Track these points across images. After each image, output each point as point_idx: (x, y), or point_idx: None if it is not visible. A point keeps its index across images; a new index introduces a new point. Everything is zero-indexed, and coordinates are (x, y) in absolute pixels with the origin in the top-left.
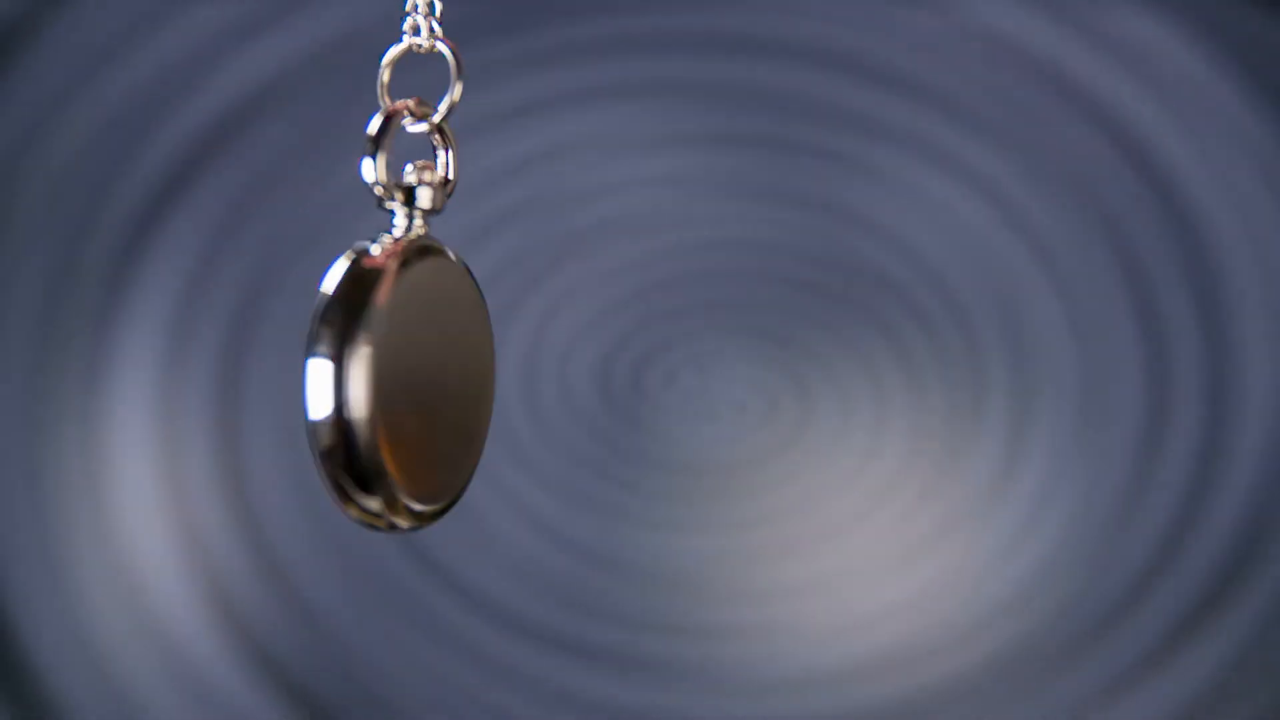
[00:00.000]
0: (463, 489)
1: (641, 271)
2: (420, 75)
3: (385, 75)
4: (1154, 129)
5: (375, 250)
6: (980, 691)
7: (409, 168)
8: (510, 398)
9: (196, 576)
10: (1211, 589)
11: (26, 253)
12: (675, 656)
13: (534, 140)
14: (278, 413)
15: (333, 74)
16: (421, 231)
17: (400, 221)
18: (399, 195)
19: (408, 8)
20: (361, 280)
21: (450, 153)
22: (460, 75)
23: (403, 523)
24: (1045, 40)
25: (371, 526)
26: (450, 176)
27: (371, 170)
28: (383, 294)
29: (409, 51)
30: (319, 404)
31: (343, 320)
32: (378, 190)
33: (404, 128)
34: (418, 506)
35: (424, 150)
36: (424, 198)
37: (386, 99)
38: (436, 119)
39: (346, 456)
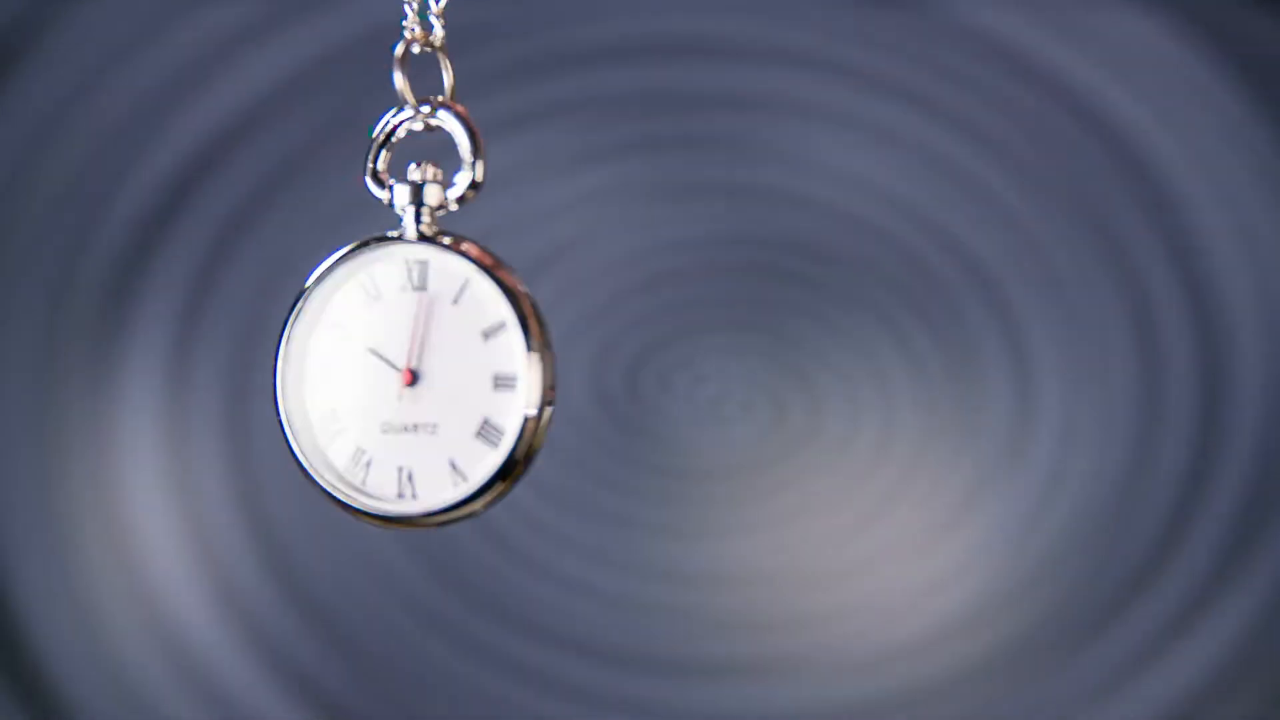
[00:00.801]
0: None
1: (605, 287)
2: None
3: (400, 76)
4: (1136, 116)
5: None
6: (985, 680)
7: (412, 166)
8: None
9: (208, 579)
10: (1217, 571)
11: (29, 253)
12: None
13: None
14: None
15: (336, 82)
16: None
17: (409, 221)
18: (409, 194)
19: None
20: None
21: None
22: (449, 67)
23: (373, 522)
24: (1025, 32)
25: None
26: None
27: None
28: None
29: (412, 54)
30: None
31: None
32: (382, 195)
33: (412, 131)
34: (393, 508)
35: (427, 152)
36: (431, 196)
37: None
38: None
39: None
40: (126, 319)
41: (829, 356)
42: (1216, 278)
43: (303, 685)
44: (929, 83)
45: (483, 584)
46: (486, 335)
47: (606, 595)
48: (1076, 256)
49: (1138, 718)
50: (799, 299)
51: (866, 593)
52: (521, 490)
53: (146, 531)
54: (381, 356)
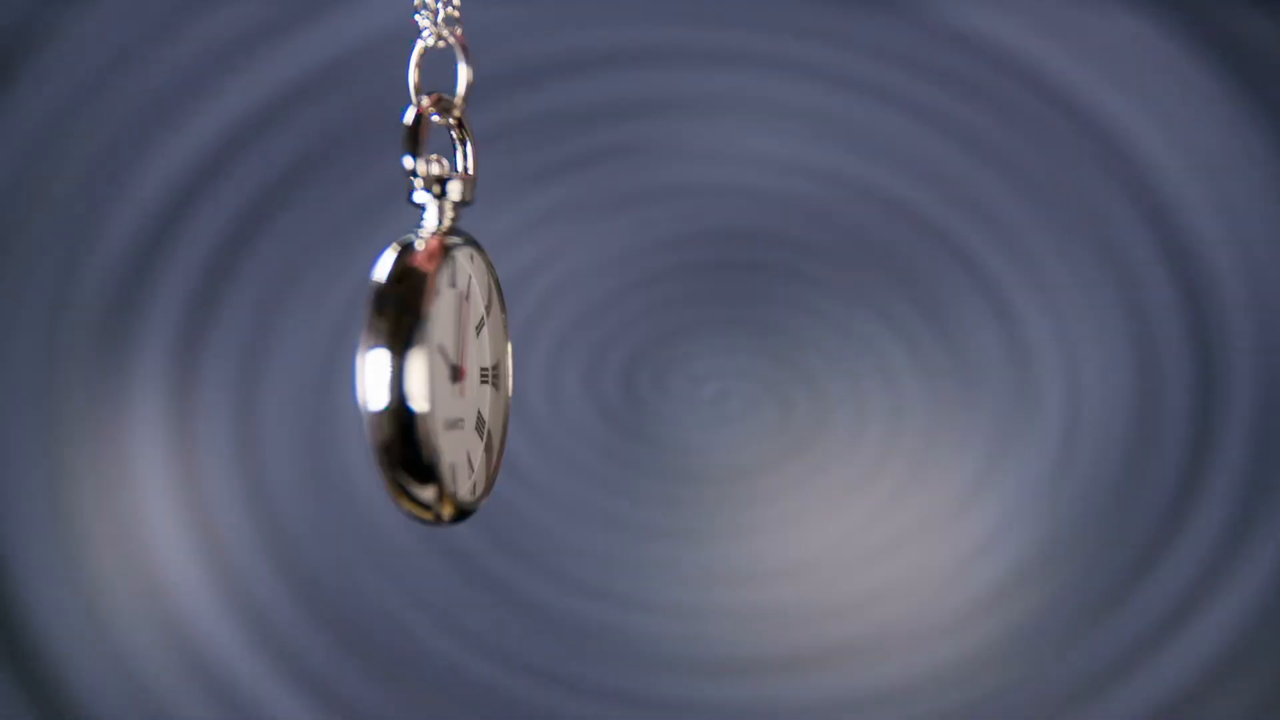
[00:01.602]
0: (493, 483)
1: (578, 303)
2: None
3: (414, 75)
4: (1130, 118)
5: (419, 245)
6: (979, 674)
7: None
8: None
9: (216, 575)
10: (1214, 562)
11: (37, 255)
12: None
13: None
14: (295, 411)
15: (343, 85)
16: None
17: (431, 215)
18: (434, 188)
19: (416, 4)
20: (409, 277)
21: (470, 145)
22: (469, 63)
23: (448, 514)
24: (1020, 34)
25: (419, 519)
26: (470, 170)
27: (412, 164)
28: (430, 287)
29: (428, 50)
30: (377, 396)
31: (396, 314)
32: (418, 183)
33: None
34: (463, 498)
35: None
36: (454, 190)
37: (417, 95)
38: (457, 113)
39: (404, 448)
40: (134, 318)
41: (821, 344)
42: (1209, 269)
43: (311, 680)
44: (929, 84)
45: (493, 582)
46: (479, 330)
47: (661, 606)
48: (1069, 246)
49: (1163, 681)
50: (782, 290)
51: (891, 582)
52: (540, 497)
53: (155, 529)
54: (445, 354)
